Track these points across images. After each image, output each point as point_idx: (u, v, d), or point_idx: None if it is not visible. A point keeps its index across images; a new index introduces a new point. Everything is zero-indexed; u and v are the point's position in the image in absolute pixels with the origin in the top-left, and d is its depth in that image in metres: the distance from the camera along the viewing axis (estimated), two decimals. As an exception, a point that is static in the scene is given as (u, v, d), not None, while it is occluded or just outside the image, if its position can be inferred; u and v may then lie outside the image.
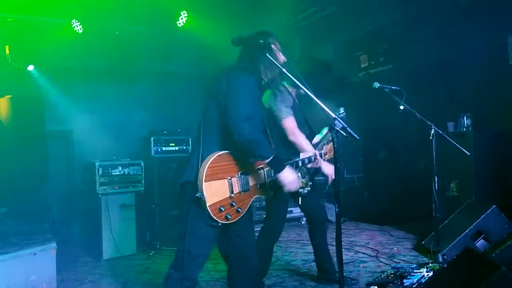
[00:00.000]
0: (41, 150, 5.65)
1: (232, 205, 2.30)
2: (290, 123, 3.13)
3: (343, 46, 6.78)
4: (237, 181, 2.33)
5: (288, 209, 5.62)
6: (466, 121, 5.03)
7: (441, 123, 4.77)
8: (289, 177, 2.42)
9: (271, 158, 2.32)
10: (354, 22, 6.14)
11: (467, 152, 3.84)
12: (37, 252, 3.77)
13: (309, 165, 2.68)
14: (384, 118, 6.15)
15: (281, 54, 2.58)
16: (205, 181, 2.19)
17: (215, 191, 2.24)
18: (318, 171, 3.26)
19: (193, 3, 5.07)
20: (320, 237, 3.58)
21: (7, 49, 5.19)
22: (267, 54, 2.38)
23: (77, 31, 5.21)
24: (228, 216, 2.28)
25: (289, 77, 2.36)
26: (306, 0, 5.82)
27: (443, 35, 5.35)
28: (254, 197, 2.44)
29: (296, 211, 6.28)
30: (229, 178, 2.30)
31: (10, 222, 4.65)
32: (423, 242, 4.63)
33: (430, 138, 3.80)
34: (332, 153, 2.79)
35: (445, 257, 3.85)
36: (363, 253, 4.64)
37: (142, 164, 5.15)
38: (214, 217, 2.23)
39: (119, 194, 4.98)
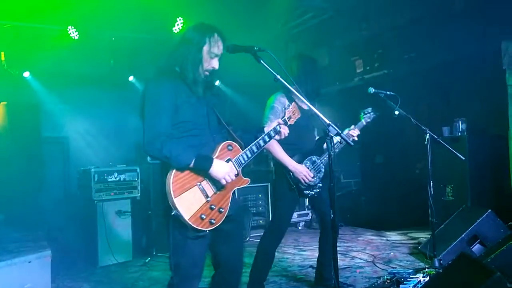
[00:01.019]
0: (37, 156, 5.65)
1: (212, 208, 2.21)
2: (267, 130, 3.17)
3: (339, 52, 6.82)
4: (207, 183, 2.23)
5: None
6: (461, 125, 5.05)
7: (436, 128, 4.79)
8: (220, 170, 2.21)
9: (193, 160, 2.15)
10: (350, 27, 6.18)
11: (462, 157, 3.86)
12: (32, 259, 3.74)
13: (277, 137, 2.50)
14: (380, 122, 6.16)
15: (213, 61, 2.32)
16: (175, 197, 2.10)
17: (190, 202, 2.14)
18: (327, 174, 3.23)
19: (189, 9, 5.09)
20: (324, 244, 3.51)
21: (2, 55, 5.20)
22: (261, 61, 2.29)
23: (73, 37, 5.21)
24: (212, 220, 2.20)
25: (283, 83, 2.32)
26: (302, 6, 5.85)
27: (438, 40, 5.39)
28: (233, 190, 2.35)
29: (293, 216, 6.26)
30: (199, 183, 2.20)
31: (5, 229, 4.64)
32: (419, 247, 4.64)
33: (425, 143, 3.82)
34: (296, 115, 2.59)
35: (441, 262, 3.85)
36: (360, 259, 4.63)
37: (138, 170, 5.13)
38: (199, 227, 2.15)
39: (115, 201, 4.96)
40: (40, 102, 5.77)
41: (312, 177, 3.26)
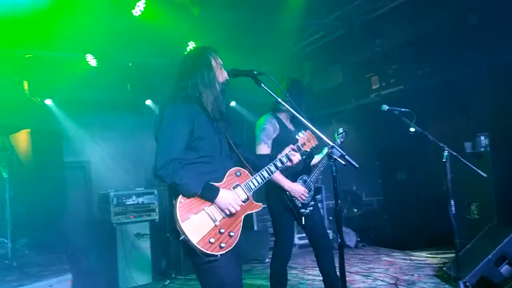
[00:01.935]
0: (59, 181, 5.79)
1: (221, 233, 2.17)
2: (259, 150, 3.23)
3: (354, 68, 6.75)
4: (215, 207, 2.19)
5: (304, 235, 5.53)
6: (483, 140, 4.85)
7: (458, 143, 4.62)
8: (226, 199, 2.20)
9: (200, 190, 2.15)
10: (364, 44, 6.11)
11: (483, 174, 3.68)
12: (52, 284, 3.80)
13: (288, 163, 2.49)
14: (401, 138, 6.02)
15: (223, 71, 2.39)
16: (182, 222, 2.08)
17: (197, 226, 2.12)
18: (319, 192, 3.21)
19: (199, 34, 5.19)
20: (327, 265, 3.36)
21: (26, 85, 5.40)
22: (262, 85, 2.29)
23: (91, 64, 5.38)
24: (222, 244, 2.15)
25: (285, 106, 2.30)
26: (313, 25, 5.86)
27: (454, 54, 5.25)
28: (243, 215, 2.30)
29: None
30: (206, 207, 2.17)
31: (29, 253, 4.74)
32: (444, 268, 4.44)
33: (444, 160, 3.68)
34: (311, 142, 2.59)
35: (467, 284, 3.66)
36: (382, 281, 4.47)
37: (156, 192, 5.18)
38: (208, 252, 2.10)
39: (134, 223, 5.00)
40: (62, 128, 5.95)
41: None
